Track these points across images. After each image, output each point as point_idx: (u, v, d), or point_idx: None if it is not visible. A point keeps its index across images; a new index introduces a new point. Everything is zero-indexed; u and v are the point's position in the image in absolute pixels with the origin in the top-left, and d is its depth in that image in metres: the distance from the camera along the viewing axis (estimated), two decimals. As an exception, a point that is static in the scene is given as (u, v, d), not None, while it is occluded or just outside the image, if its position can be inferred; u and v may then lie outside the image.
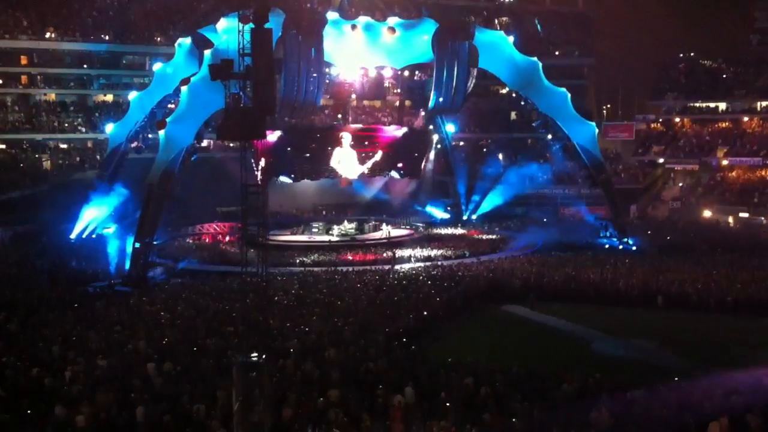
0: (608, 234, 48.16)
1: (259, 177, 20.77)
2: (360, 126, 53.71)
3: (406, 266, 40.61)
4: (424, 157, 57.19)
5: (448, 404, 17.77)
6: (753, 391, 18.44)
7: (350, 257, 43.75)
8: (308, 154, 52.46)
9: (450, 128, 58.44)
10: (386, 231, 51.50)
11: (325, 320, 26.79)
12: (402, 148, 54.47)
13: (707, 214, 58.77)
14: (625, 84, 73.97)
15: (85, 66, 64.94)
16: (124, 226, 44.23)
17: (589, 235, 49.40)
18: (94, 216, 46.63)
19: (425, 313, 28.95)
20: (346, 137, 52.25)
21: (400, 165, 54.55)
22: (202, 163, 46.16)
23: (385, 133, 53.87)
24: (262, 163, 21.33)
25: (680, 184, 66.44)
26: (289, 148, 51.11)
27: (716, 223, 56.80)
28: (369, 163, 53.44)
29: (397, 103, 56.17)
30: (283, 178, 52.41)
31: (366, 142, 53.27)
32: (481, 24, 48.51)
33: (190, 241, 50.02)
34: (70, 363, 21.12)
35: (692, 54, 75.14)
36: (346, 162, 52.58)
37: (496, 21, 72.08)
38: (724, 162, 64.70)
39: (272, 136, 47.94)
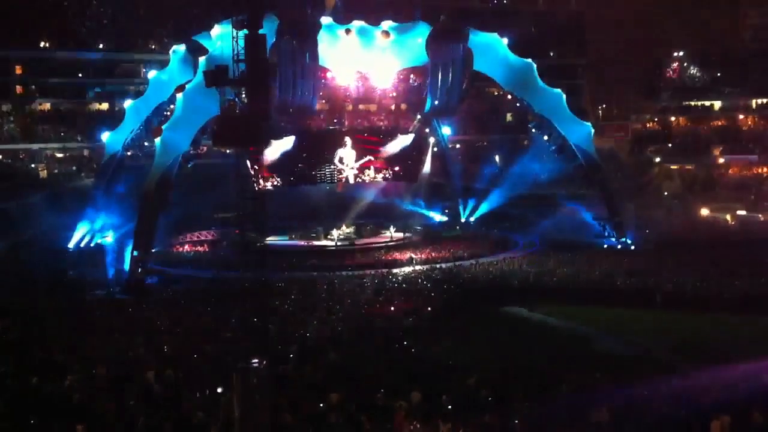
0: (606, 233, 48.19)
1: (259, 183, 20.74)
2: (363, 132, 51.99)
3: (405, 269, 40.61)
4: (422, 161, 56.98)
5: (449, 406, 17.79)
6: (752, 388, 18.50)
7: (349, 261, 43.69)
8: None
9: (446, 131, 58.35)
10: (390, 234, 51.54)
11: (324, 324, 26.77)
12: (399, 151, 54.01)
13: (704, 212, 58.77)
14: (620, 83, 73.92)
15: (79, 75, 64.91)
16: (122, 234, 44.15)
17: (586, 234, 49.42)
18: (92, 224, 46.55)
19: (425, 315, 28.95)
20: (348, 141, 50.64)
21: (397, 168, 54.30)
22: (200, 169, 46.14)
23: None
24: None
25: (676, 183, 66.40)
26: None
27: (713, 220, 56.84)
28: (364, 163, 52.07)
29: (393, 107, 55.90)
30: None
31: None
32: (474, 26, 48.40)
33: (187, 249, 49.89)
34: (70, 371, 21.09)
35: (685, 52, 75.17)
36: (347, 160, 50.95)
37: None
38: (720, 160, 64.73)
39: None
